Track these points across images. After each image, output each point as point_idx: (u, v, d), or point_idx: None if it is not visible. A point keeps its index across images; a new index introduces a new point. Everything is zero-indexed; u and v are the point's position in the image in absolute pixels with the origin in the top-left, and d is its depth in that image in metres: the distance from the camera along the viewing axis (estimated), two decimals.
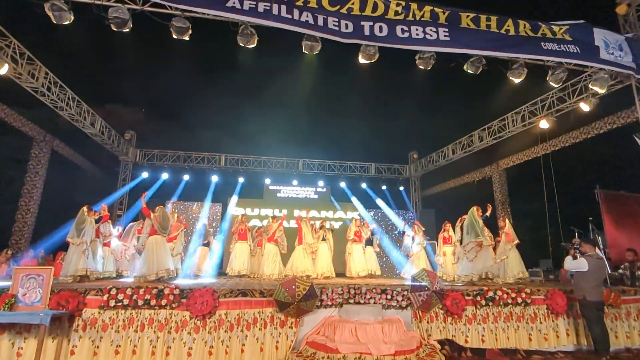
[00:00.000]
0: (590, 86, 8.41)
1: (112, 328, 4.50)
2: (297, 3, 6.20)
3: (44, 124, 11.44)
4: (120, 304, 4.57)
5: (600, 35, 7.38)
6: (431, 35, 6.58)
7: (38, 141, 11.47)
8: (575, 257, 5.46)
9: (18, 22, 7.91)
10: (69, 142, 12.73)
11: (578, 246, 5.60)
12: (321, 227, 9.71)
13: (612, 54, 7.39)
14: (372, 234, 10.14)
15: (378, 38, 6.47)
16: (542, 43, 7.01)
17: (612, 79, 8.24)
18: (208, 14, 6.48)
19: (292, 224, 14.51)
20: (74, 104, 10.19)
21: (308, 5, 6.24)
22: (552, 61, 7.66)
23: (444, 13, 6.74)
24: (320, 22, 6.30)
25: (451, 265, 8.61)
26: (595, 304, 5.33)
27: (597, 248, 5.95)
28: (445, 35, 6.61)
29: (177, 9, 6.30)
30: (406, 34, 6.51)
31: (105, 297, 4.57)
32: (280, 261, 9.06)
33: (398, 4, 6.61)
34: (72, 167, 13.63)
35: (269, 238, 9.13)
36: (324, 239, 9.55)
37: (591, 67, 7.96)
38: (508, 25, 7.01)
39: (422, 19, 6.62)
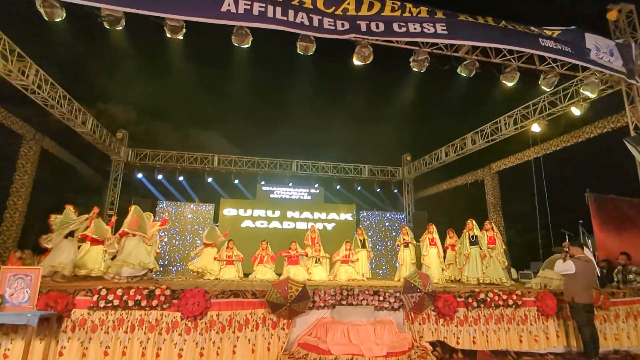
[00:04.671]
0: (581, 91, 8.54)
1: (101, 329, 4.42)
2: (292, 2, 6.20)
3: (33, 122, 11.28)
4: (110, 304, 4.50)
5: (591, 41, 7.50)
6: (429, 30, 6.64)
7: (27, 139, 11.30)
8: (565, 260, 5.53)
9: (9, 19, 7.80)
10: (59, 140, 12.57)
11: (567, 249, 5.68)
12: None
13: (602, 58, 7.51)
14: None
15: (375, 33, 6.53)
16: (540, 39, 7.09)
17: (602, 84, 8.37)
18: None
19: (286, 225, 14.53)
20: (65, 102, 10.08)
21: (303, 5, 6.24)
22: (545, 62, 7.78)
23: (440, 10, 6.81)
24: (315, 23, 6.31)
25: (436, 266, 8.69)
26: (585, 306, 5.38)
27: (586, 250, 6.00)
28: (443, 29, 6.67)
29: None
30: (403, 29, 6.56)
31: (94, 298, 4.50)
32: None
33: (394, 3, 6.66)
34: (63, 166, 13.46)
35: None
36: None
37: (582, 72, 8.10)
38: (504, 24, 7.10)
39: (419, 15, 6.67)
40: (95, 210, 7.75)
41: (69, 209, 6.63)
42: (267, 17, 6.11)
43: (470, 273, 7.98)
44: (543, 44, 7.08)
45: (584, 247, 6.13)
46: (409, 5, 6.71)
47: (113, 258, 7.05)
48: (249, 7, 6.05)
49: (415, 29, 6.60)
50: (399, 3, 6.74)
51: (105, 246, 7.15)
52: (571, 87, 9.25)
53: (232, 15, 6.00)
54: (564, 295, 5.60)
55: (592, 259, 6.08)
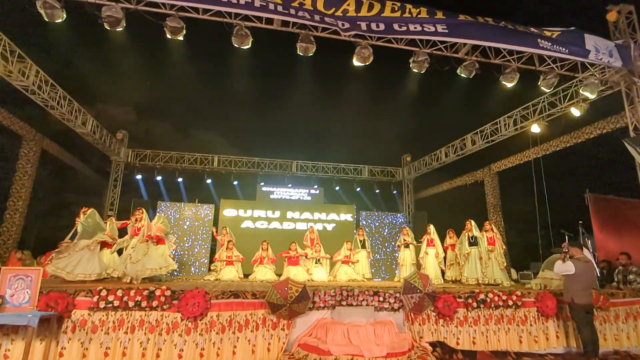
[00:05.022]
0: (580, 91, 8.54)
1: (101, 330, 4.43)
2: (293, 4, 6.22)
3: (34, 122, 11.29)
4: (110, 305, 4.50)
5: (591, 41, 7.51)
6: (429, 29, 6.67)
7: (28, 140, 11.30)
8: (564, 261, 5.53)
9: (9, 20, 7.82)
10: (59, 141, 12.58)
11: (566, 250, 5.69)
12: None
13: (602, 59, 7.52)
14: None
15: (375, 31, 6.57)
16: (538, 40, 7.12)
17: (602, 85, 8.38)
18: (202, 15, 6.50)
19: (286, 225, 14.53)
20: (65, 102, 10.08)
21: (304, 7, 6.26)
22: (545, 63, 7.79)
23: (440, 11, 6.84)
24: (317, 19, 6.36)
25: (433, 267, 8.70)
26: (584, 306, 5.37)
27: (585, 251, 5.99)
28: (443, 29, 6.70)
29: (172, 7, 6.28)
30: (404, 28, 6.59)
31: (95, 299, 4.50)
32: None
33: (394, 4, 6.68)
34: (63, 166, 13.47)
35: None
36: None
37: (582, 73, 8.12)
38: (504, 24, 7.14)
39: (418, 16, 6.69)
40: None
41: (112, 221, 7.02)
42: (268, 8, 6.17)
43: (469, 273, 7.99)
44: (542, 45, 7.11)
45: (583, 247, 6.12)
46: (408, 6, 6.74)
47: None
48: (250, 0, 6.10)
49: (415, 27, 6.64)
50: (399, 4, 6.76)
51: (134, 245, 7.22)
52: (571, 87, 9.26)
53: (233, 4, 6.04)
54: (564, 296, 5.60)
55: (592, 259, 6.07)
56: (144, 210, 7.14)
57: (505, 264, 8.06)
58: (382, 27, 6.59)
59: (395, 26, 6.62)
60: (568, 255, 5.58)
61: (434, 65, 7.57)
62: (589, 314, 5.42)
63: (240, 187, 15.63)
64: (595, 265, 6.50)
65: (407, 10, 6.73)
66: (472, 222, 8.40)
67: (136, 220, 7.03)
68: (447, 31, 6.75)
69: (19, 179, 11.13)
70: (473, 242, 8.19)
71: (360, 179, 16.39)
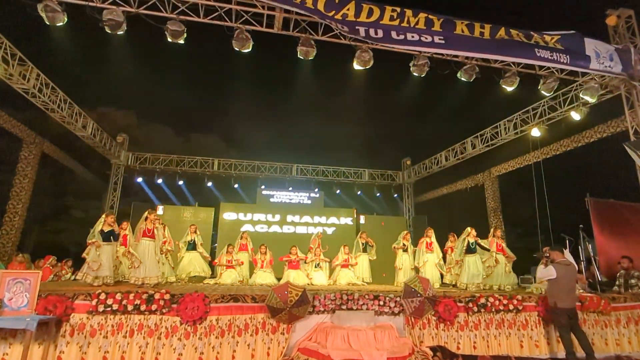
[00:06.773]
0: (580, 95, 8.55)
1: (100, 334, 4.41)
2: (295, 1, 6.21)
3: (34, 125, 11.30)
4: (109, 309, 4.48)
5: (591, 46, 7.51)
6: (426, 38, 6.68)
7: (28, 143, 11.31)
8: (546, 265, 5.50)
9: (10, 23, 7.84)
10: (59, 144, 12.57)
11: (547, 255, 5.67)
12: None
13: (603, 63, 7.53)
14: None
15: (373, 39, 6.60)
16: (535, 50, 7.12)
17: (602, 89, 8.39)
18: (203, 19, 6.53)
19: (286, 229, 14.49)
20: (66, 105, 10.09)
21: (305, 4, 6.25)
22: (545, 67, 7.81)
23: (438, 20, 6.84)
24: (317, 16, 6.42)
25: (432, 272, 8.66)
26: (567, 310, 5.30)
27: (566, 253, 5.94)
28: (440, 40, 6.71)
29: (173, 10, 6.31)
30: (401, 36, 6.61)
31: (94, 302, 4.48)
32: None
33: (393, 10, 6.69)
34: (63, 169, 13.46)
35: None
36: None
37: (582, 77, 8.13)
38: (501, 34, 7.13)
39: (416, 26, 6.70)
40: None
41: None
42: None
43: (469, 280, 7.90)
44: (539, 55, 7.10)
45: (564, 250, 6.09)
46: (407, 14, 6.73)
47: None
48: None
49: (413, 37, 6.67)
50: (398, 10, 6.76)
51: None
52: (571, 91, 9.27)
53: None
54: (548, 301, 5.55)
55: (573, 262, 6.00)
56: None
57: (514, 258, 8.07)
58: (380, 34, 6.60)
59: (393, 34, 6.63)
60: (549, 260, 5.56)
61: (434, 68, 7.59)
62: (572, 319, 5.34)
63: (241, 190, 15.61)
64: (576, 268, 6.42)
65: (406, 19, 6.73)
66: (473, 229, 8.34)
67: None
68: (443, 42, 6.77)
69: (19, 182, 11.12)
70: (473, 248, 8.11)
71: (361, 183, 16.37)
